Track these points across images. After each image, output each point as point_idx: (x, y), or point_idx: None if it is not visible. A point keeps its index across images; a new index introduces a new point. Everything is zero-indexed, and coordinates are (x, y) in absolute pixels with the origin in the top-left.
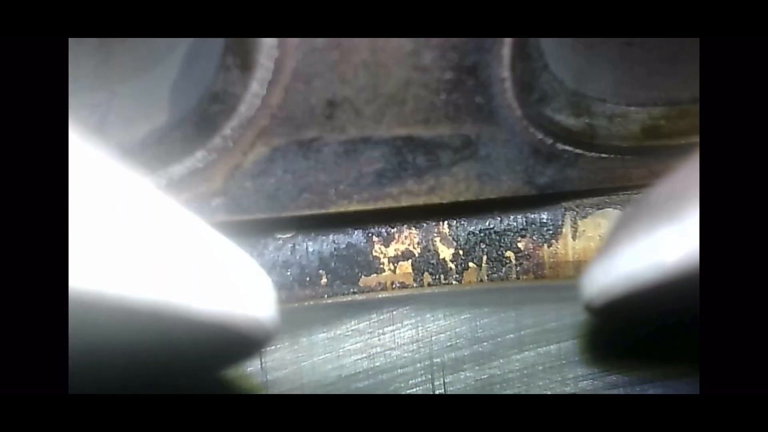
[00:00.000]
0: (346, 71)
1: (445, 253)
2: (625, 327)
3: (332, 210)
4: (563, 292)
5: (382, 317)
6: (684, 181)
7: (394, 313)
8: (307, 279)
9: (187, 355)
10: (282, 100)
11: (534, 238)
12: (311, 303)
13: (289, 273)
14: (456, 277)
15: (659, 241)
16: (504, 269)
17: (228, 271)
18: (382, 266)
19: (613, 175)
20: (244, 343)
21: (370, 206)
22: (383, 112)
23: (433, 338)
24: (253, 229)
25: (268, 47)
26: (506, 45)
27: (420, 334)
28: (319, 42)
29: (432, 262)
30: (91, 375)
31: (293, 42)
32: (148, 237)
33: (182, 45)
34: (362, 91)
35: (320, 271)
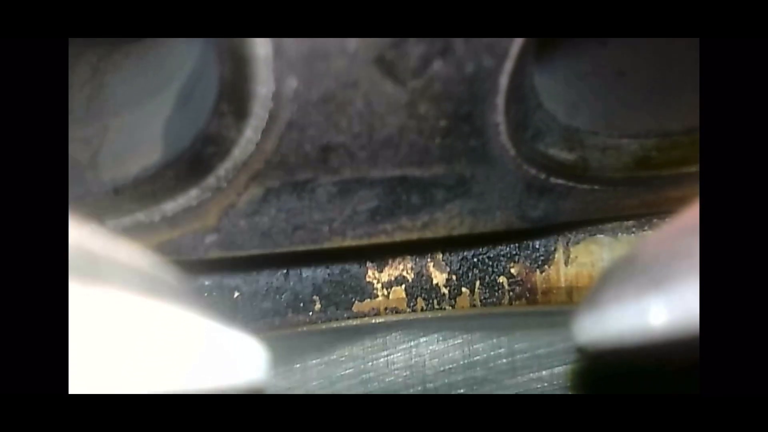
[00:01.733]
0: (341, 121)
1: (439, 278)
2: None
3: (326, 246)
4: (555, 317)
5: (375, 342)
6: (669, 246)
7: (388, 338)
8: (301, 305)
9: None
10: (276, 146)
11: (526, 264)
12: (305, 329)
13: (282, 299)
14: (449, 302)
15: (646, 307)
16: (497, 294)
17: (221, 348)
18: (375, 291)
19: (605, 206)
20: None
21: (364, 242)
22: (378, 156)
23: (426, 363)
24: (246, 263)
25: (262, 98)
26: (500, 93)
27: (413, 360)
28: (314, 95)
29: (425, 287)
30: None
31: (288, 94)
32: (146, 339)
33: (176, 81)
34: (357, 137)
35: (314, 297)
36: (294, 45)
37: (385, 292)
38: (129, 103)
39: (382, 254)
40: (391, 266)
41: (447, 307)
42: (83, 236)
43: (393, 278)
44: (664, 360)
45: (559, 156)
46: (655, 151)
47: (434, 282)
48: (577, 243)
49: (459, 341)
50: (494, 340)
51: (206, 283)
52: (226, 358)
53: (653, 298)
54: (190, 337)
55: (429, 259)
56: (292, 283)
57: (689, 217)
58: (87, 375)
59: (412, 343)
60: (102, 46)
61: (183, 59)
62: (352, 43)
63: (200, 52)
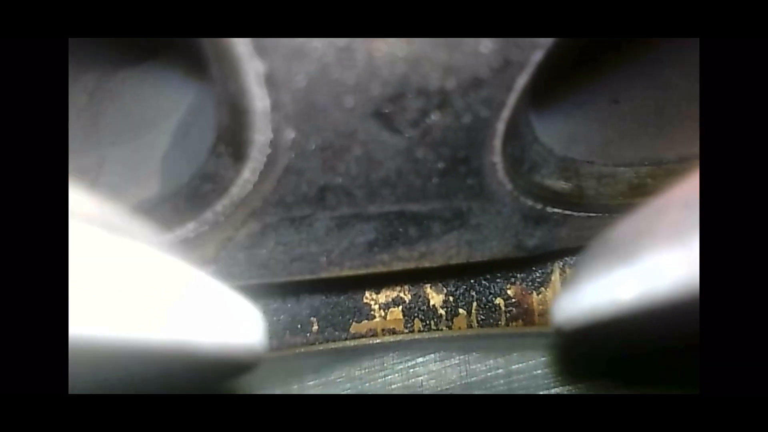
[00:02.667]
0: (338, 165)
1: (436, 299)
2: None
3: (323, 276)
4: (552, 338)
5: (373, 363)
6: (638, 225)
7: (385, 359)
8: (298, 326)
9: (186, 376)
10: (274, 187)
11: (523, 285)
12: (302, 350)
13: (280, 320)
14: (446, 323)
15: (616, 281)
16: (494, 316)
17: (222, 307)
18: (373, 312)
19: (601, 232)
20: (238, 365)
21: (362, 271)
22: (375, 194)
23: (423, 384)
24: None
25: (260, 145)
26: (498, 137)
27: (410, 380)
28: (312, 144)
29: (422, 308)
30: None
31: (286, 143)
32: (149, 284)
33: (174, 114)
34: (355, 179)
35: (311, 318)
36: (291, 99)
37: (383, 313)
38: (126, 134)
39: (379, 278)
40: (389, 287)
41: (444, 328)
42: (104, 211)
43: (390, 299)
44: (635, 334)
45: (555, 186)
46: (650, 178)
47: (431, 303)
48: (574, 265)
49: (456, 362)
50: (491, 361)
51: None
52: (229, 315)
53: (621, 272)
54: (197, 290)
55: (426, 281)
56: (289, 305)
57: (657, 201)
58: (92, 312)
59: (410, 364)
60: (98, 69)
61: (181, 92)
62: (350, 99)
63: (198, 89)
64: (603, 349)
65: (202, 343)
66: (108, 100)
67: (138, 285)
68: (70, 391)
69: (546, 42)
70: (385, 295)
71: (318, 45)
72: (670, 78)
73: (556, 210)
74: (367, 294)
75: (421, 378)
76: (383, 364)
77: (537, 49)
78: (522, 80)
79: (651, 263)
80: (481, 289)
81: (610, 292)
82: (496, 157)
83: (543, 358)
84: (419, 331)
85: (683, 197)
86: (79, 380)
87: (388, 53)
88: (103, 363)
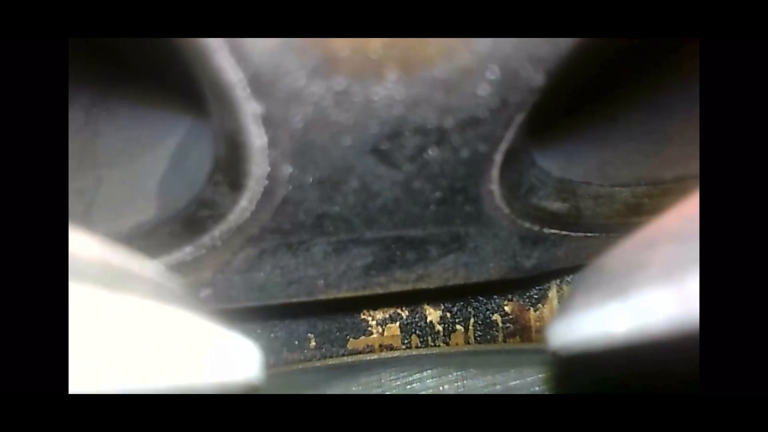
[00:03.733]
0: (336, 196)
1: (433, 315)
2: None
3: (321, 297)
4: (549, 355)
5: (370, 379)
6: (630, 258)
7: (383, 374)
8: (296, 342)
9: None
10: (271, 215)
11: (520, 302)
12: (300, 367)
13: (277, 336)
14: (444, 340)
15: (609, 315)
16: (491, 332)
17: (218, 348)
18: (370, 329)
19: (598, 251)
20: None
21: (359, 293)
22: (373, 221)
23: None
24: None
25: (257, 177)
26: (495, 167)
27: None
28: (309, 178)
29: (420, 324)
30: None
31: (283, 177)
32: (145, 338)
33: (172, 136)
34: (352, 208)
35: (309, 334)
36: (289, 138)
37: (380, 329)
38: (124, 155)
39: (377, 297)
40: (386, 303)
41: (441, 344)
42: (105, 252)
43: (388, 315)
44: (628, 367)
45: (552, 207)
46: (647, 198)
47: (429, 319)
48: (570, 283)
49: (453, 378)
50: (489, 377)
51: None
52: (225, 356)
53: (614, 306)
54: (192, 336)
55: (424, 298)
56: (286, 321)
57: (648, 231)
58: (99, 372)
59: (407, 380)
60: (95, 86)
61: (179, 113)
62: (347, 138)
63: (197, 113)
64: (598, 376)
65: (200, 385)
66: (105, 119)
67: (134, 339)
68: None
69: (543, 82)
70: (382, 312)
71: (315, 89)
72: (666, 99)
73: (553, 231)
74: (364, 310)
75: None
76: (380, 380)
77: (535, 90)
78: (520, 117)
79: (643, 300)
80: (479, 305)
81: (604, 325)
82: (494, 185)
83: (540, 375)
84: (416, 347)
85: (675, 229)
86: None
87: (385, 96)
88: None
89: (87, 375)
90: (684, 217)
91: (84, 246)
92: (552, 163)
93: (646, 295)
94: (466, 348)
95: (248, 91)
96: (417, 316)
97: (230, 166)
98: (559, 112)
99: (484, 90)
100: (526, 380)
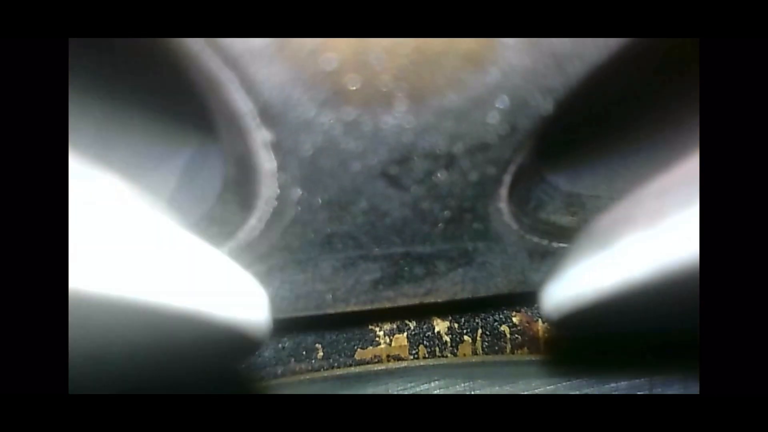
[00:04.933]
0: (345, 216)
1: (441, 326)
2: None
3: (329, 311)
4: (558, 367)
5: (377, 390)
6: (617, 215)
7: (390, 385)
8: (303, 352)
9: (192, 348)
10: (280, 235)
11: (529, 313)
12: (307, 377)
13: (285, 347)
14: (451, 350)
15: (596, 268)
16: (499, 343)
17: (229, 281)
18: (377, 339)
19: None
20: (243, 342)
21: (367, 307)
22: (381, 239)
23: None
24: None
25: (266, 198)
26: (504, 186)
27: None
28: (318, 200)
29: (427, 334)
30: (95, 373)
31: (292, 199)
32: (157, 249)
33: (183, 152)
34: (361, 227)
35: (316, 345)
36: (298, 164)
37: (388, 340)
38: (134, 170)
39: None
40: (394, 317)
41: (449, 355)
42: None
43: (395, 326)
44: (620, 320)
45: (561, 221)
46: None
47: (436, 330)
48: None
49: (461, 389)
50: (496, 389)
51: None
52: (234, 288)
53: (600, 259)
54: (203, 260)
55: (431, 309)
56: (294, 331)
57: (637, 191)
58: (94, 266)
59: (414, 391)
60: (107, 101)
61: (190, 131)
62: (356, 164)
63: (207, 133)
64: (592, 337)
65: (207, 312)
66: (116, 132)
67: (146, 248)
68: (73, 351)
69: (553, 110)
70: (389, 322)
71: (324, 120)
72: (675, 106)
73: (562, 245)
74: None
75: None
76: (388, 390)
77: (545, 117)
78: (529, 141)
79: (627, 249)
80: (486, 316)
81: (591, 278)
82: (503, 204)
83: (549, 387)
84: (424, 357)
85: (660, 187)
86: (82, 340)
87: (395, 125)
88: (107, 321)
89: (88, 274)
90: (673, 175)
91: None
92: (560, 177)
93: (630, 244)
94: (474, 359)
95: (258, 120)
96: (424, 326)
97: (240, 187)
98: (569, 131)
99: (493, 118)
100: (534, 392)
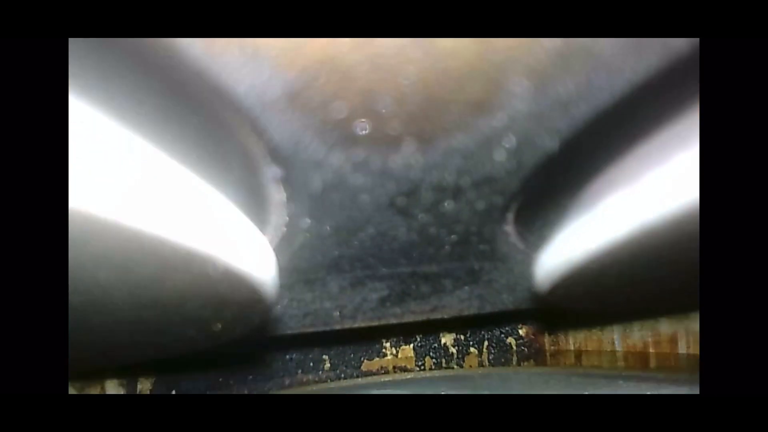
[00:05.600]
0: (352, 240)
1: (447, 338)
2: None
3: (337, 328)
4: (563, 379)
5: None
6: (602, 181)
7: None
8: (311, 364)
9: (194, 293)
10: (289, 258)
11: (534, 325)
12: (314, 388)
13: (292, 358)
14: (457, 362)
15: (581, 231)
16: (505, 355)
17: (238, 233)
18: (384, 350)
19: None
20: (248, 299)
21: (374, 324)
22: (388, 260)
23: None
24: None
25: (275, 224)
26: (511, 211)
27: None
28: (326, 227)
29: (434, 346)
30: (101, 305)
31: (301, 227)
32: (164, 186)
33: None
34: (368, 250)
35: (324, 356)
36: (307, 198)
37: (394, 351)
38: None
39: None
40: (400, 333)
41: (455, 367)
42: None
43: (402, 337)
44: (607, 280)
45: None
46: None
47: (443, 341)
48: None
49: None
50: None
51: None
52: (242, 240)
53: (584, 222)
54: (213, 206)
55: (438, 326)
56: (301, 342)
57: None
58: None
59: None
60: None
61: (203, 155)
62: (365, 197)
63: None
64: (584, 304)
65: (211, 253)
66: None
67: (152, 184)
68: (72, 262)
69: (558, 148)
70: (396, 335)
71: (334, 160)
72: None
73: None
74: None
75: None
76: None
77: (551, 154)
78: (536, 174)
79: (609, 207)
80: (493, 328)
81: (579, 242)
82: (509, 227)
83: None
84: (430, 369)
85: (642, 153)
86: (81, 257)
87: (403, 164)
88: (109, 245)
89: (88, 197)
90: (653, 144)
91: None
92: (566, 197)
93: (611, 202)
94: (480, 371)
95: (269, 159)
96: (431, 338)
97: (248, 211)
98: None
99: (500, 156)
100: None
